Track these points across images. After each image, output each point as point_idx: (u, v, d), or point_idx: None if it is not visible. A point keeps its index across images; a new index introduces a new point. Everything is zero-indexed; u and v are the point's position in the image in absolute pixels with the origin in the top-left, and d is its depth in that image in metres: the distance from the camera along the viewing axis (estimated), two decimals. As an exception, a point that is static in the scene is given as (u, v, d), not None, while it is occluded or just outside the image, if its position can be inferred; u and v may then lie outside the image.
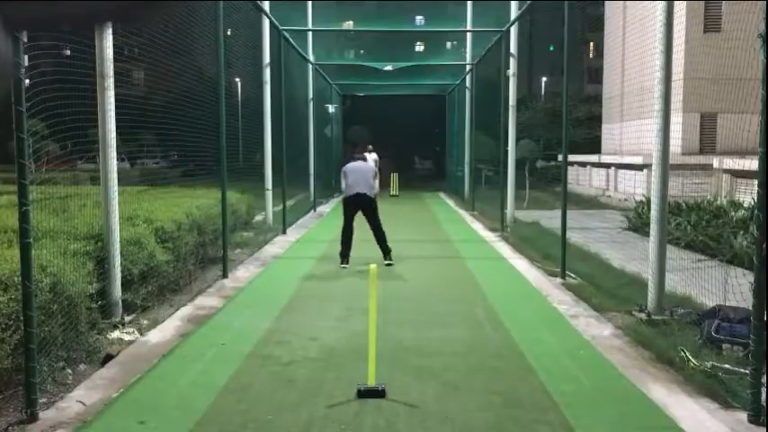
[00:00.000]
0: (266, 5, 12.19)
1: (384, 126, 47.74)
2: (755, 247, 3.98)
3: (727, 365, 4.42)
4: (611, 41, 23.92)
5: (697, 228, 10.17)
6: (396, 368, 4.69)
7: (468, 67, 19.48)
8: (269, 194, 12.67)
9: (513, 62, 13.25)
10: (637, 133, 15.63)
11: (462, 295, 7.24)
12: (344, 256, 8.98)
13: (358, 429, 3.70)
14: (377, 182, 9.40)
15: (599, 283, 7.29)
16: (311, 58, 19.02)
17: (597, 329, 5.77)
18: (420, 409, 3.97)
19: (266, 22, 12.28)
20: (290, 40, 14.21)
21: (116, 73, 5.92)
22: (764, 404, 3.80)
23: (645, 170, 16.33)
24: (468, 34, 19.61)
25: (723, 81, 8.54)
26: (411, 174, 37.00)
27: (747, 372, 3.98)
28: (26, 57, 4.07)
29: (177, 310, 6.39)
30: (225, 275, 8.07)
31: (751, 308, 4.01)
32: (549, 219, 12.23)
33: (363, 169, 9.17)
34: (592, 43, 38.30)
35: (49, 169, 5.44)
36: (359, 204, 9.05)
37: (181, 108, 8.33)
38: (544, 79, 41.23)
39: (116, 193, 5.87)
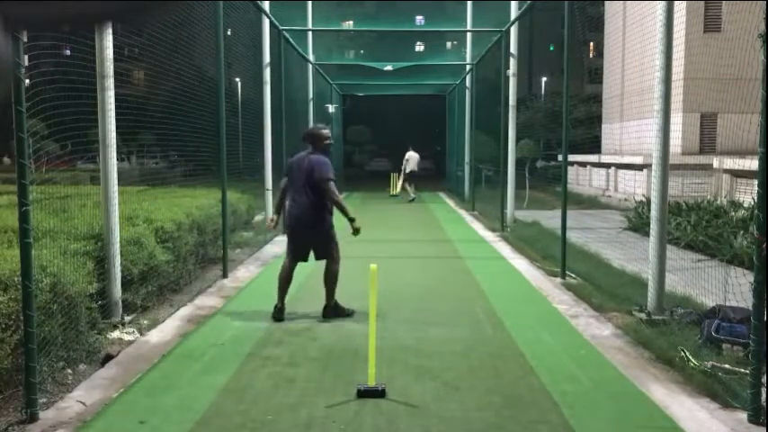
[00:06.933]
0: (266, 5, 12.19)
1: (384, 126, 47.84)
2: (755, 247, 3.98)
3: (727, 365, 4.42)
4: (611, 41, 23.92)
5: (697, 228, 10.16)
6: (396, 368, 4.68)
7: (467, 67, 19.47)
8: (269, 194, 12.67)
9: (513, 62, 13.25)
10: (637, 133, 15.62)
11: (462, 295, 7.23)
12: None
13: (358, 429, 3.69)
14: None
15: (599, 283, 7.29)
16: (311, 58, 19.01)
17: (597, 329, 5.77)
18: (420, 409, 3.96)
19: (266, 22, 12.27)
20: (290, 40, 14.20)
21: (116, 73, 5.92)
22: (764, 404, 3.80)
23: (645, 170, 16.33)
24: (468, 34, 19.61)
25: (723, 81, 8.53)
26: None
27: (747, 372, 3.98)
28: (26, 57, 4.06)
29: (177, 309, 6.39)
30: (225, 275, 8.07)
31: (751, 308, 4.01)
32: (549, 219, 12.22)
33: None
34: (592, 43, 38.30)
35: (49, 169, 5.43)
36: None
37: (181, 108, 8.32)
38: (544, 79, 41.24)
39: (116, 193, 5.87)
